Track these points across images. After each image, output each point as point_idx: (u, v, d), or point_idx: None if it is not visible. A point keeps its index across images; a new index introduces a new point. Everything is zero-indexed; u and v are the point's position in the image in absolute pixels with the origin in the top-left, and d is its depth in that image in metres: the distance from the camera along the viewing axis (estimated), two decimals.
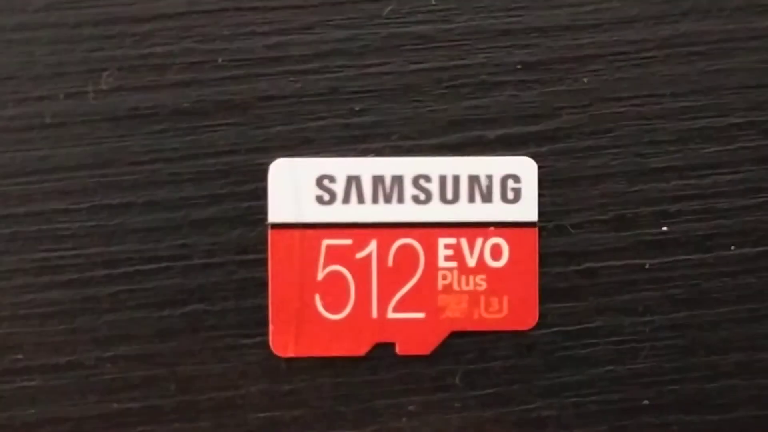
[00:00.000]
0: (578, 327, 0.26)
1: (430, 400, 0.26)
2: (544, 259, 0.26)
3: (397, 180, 0.25)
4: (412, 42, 0.26)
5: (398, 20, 0.26)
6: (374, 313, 0.25)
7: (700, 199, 0.26)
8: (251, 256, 0.25)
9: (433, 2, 0.26)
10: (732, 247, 0.26)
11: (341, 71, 0.25)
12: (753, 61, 0.26)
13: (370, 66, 0.26)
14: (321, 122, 0.25)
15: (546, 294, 0.26)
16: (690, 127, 0.26)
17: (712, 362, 0.26)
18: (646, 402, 0.26)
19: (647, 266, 0.26)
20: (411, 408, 0.26)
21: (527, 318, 0.25)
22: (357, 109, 0.25)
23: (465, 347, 0.26)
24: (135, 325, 0.25)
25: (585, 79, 0.26)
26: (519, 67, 0.26)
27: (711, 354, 0.26)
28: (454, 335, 0.26)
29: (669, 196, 0.26)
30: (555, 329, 0.26)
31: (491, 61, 0.26)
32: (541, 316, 0.26)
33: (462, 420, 0.26)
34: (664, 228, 0.26)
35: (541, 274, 0.26)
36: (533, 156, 0.25)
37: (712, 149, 0.26)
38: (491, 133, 0.26)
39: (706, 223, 0.26)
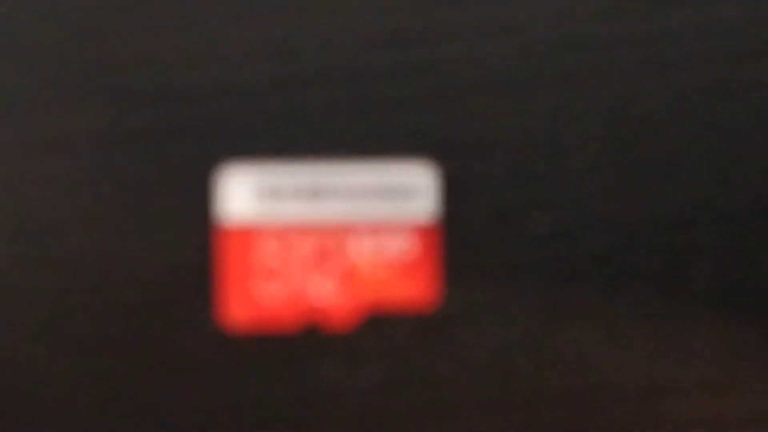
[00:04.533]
0: (469, 304, 0.30)
1: (351, 370, 0.30)
2: (443, 251, 0.30)
3: (319, 185, 0.30)
4: (330, 73, 0.30)
5: (319, 56, 0.30)
6: (306, 299, 0.30)
7: (571, 200, 0.31)
8: (202, 249, 0.30)
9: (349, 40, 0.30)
10: (598, 240, 0.31)
11: (273, 97, 0.30)
12: (611, 87, 0.30)
13: (296, 93, 0.30)
14: (258, 138, 0.30)
15: (446, 280, 0.30)
16: (561, 139, 0.30)
17: (580, 333, 0.31)
18: (528, 366, 0.31)
19: (526, 255, 0.31)
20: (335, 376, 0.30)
21: (432, 299, 0.30)
22: (286, 127, 0.30)
23: (379, 326, 0.30)
24: (109, 303, 0.30)
25: (474, 99, 0.30)
26: (418, 90, 0.30)
27: (579, 326, 0.31)
28: (370, 316, 0.30)
29: (545, 197, 0.31)
30: (449, 307, 0.30)
31: (395, 86, 0.30)
32: (441, 298, 0.30)
33: (377, 385, 0.31)
34: (542, 224, 0.30)
35: (441, 264, 0.30)
36: (432, 164, 0.30)
37: (579, 158, 0.30)
38: (397, 145, 0.30)
39: (576, 220, 0.31)
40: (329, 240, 0.30)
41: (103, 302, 0.29)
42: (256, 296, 0.29)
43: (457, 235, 0.30)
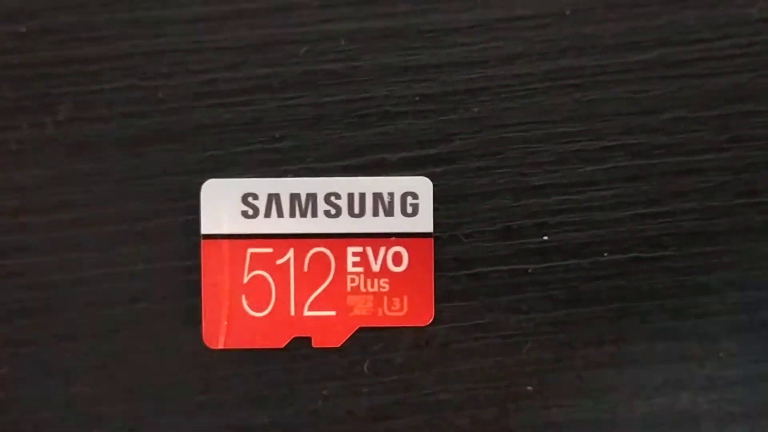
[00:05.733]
0: (470, 323, 0.29)
1: (342, 386, 0.29)
2: (439, 265, 0.29)
3: (312, 197, 0.29)
4: (324, 78, 0.29)
5: (312, 59, 0.29)
6: (292, 311, 0.29)
7: (577, 212, 0.29)
8: (187, 263, 0.29)
9: (342, 43, 0.29)
10: (605, 254, 0.29)
11: (264, 103, 0.29)
12: (623, 91, 0.29)
13: (288, 99, 0.29)
14: (246, 147, 0.29)
15: (442, 295, 0.29)
16: (567, 150, 0.29)
17: (588, 354, 0.29)
18: (529, 388, 0.29)
19: (530, 270, 0.29)
20: (325, 393, 0.29)
21: (424, 315, 0.29)
22: (277, 136, 0.29)
23: (372, 341, 0.29)
24: (89, 321, 0.29)
25: (475, 109, 0.29)
26: (417, 98, 0.29)
27: (586, 347, 0.29)
28: (362, 330, 0.29)
29: (549, 210, 0.29)
30: (450, 325, 0.29)
31: (393, 93, 0.29)
32: (437, 313, 0.29)
33: (370, 403, 0.29)
34: (545, 237, 0.29)
35: (437, 278, 0.29)
36: (430, 176, 0.29)
37: (587, 168, 0.29)
38: (393, 157, 0.29)
39: (582, 233, 0.29)
40: (318, 252, 0.28)
41: (84, 316, 0.29)
42: (242, 309, 0.28)
43: (456, 248, 0.29)
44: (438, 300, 0.29)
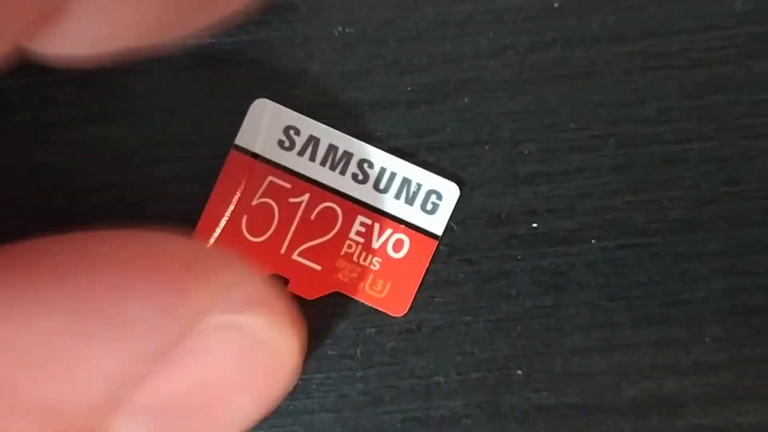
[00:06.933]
0: (461, 308, 0.30)
1: (335, 371, 0.30)
2: None
3: (347, 155, 0.29)
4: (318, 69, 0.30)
5: (309, 49, 0.30)
6: (283, 249, 0.29)
7: (565, 200, 0.30)
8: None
9: (336, 34, 0.30)
10: (593, 241, 0.30)
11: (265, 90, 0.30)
12: (609, 82, 0.30)
13: (283, 89, 0.30)
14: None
15: (433, 280, 0.30)
16: (556, 139, 0.30)
17: (576, 339, 0.30)
18: (519, 372, 0.30)
19: (520, 257, 0.30)
20: (318, 377, 0.30)
21: (400, 306, 0.29)
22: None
23: (364, 325, 0.30)
24: None
25: (466, 99, 0.30)
26: (409, 89, 0.30)
27: (575, 332, 0.30)
28: (355, 315, 0.29)
29: (538, 198, 0.30)
30: (442, 310, 0.30)
31: (385, 84, 0.30)
32: (429, 298, 0.29)
33: (364, 386, 0.30)
34: (534, 225, 0.30)
35: (429, 263, 0.30)
36: (422, 165, 0.29)
37: (575, 157, 0.30)
38: (384, 146, 0.30)
39: (571, 221, 0.30)
40: (330, 206, 0.29)
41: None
42: (239, 227, 0.29)
43: (447, 235, 0.29)
44: (429, 285, 0.29)
